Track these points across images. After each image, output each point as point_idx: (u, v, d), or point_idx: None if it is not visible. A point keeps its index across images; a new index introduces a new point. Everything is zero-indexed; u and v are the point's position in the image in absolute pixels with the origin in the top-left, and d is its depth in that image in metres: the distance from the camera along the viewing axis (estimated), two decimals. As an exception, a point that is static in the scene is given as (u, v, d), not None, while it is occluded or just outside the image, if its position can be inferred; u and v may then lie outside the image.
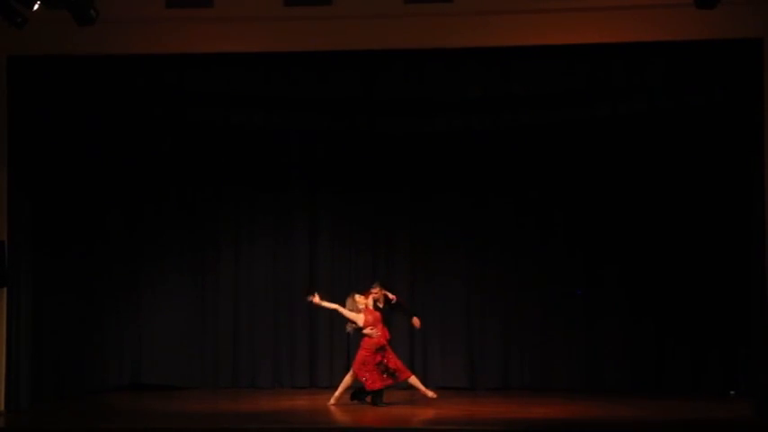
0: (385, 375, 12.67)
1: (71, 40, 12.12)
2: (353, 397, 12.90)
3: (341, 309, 12.82)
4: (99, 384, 14.23)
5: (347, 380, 12.93)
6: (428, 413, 12.29)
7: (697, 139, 14.11)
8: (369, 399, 12.77)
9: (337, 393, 12.94)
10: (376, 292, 13.04)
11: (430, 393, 12.95)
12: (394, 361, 12.77)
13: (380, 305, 13.03)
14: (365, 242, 15.06)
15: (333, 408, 12.69)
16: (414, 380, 13.03)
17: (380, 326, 12.80)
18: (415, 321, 13.29)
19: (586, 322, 14.52)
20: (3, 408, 12.38)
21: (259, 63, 12.63)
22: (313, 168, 15.18)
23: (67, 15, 11.25)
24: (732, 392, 13.76)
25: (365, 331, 12.69)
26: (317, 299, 12.91)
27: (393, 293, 13.23)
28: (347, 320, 12.86)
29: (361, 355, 12.69)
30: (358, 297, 12.87)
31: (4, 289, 12.41)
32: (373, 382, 12.60)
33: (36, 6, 11.25)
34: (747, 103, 12.23)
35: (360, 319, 12.74)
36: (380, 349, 12.68)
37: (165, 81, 12.83)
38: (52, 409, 12.73)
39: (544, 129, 14.16)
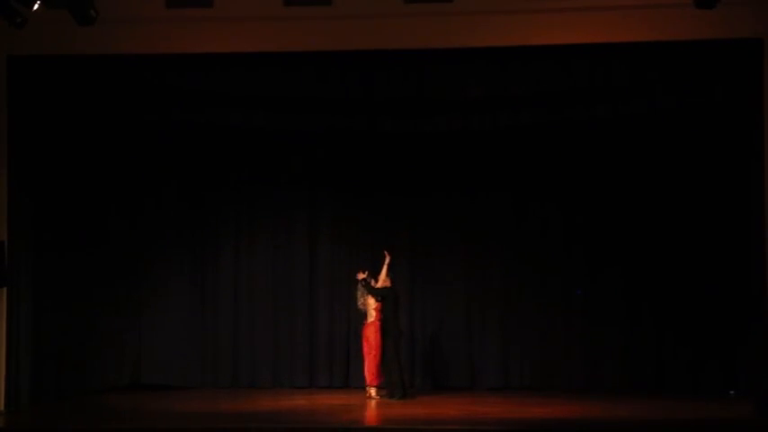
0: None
1: (71, 40, 12.13)
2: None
3: None
4: (99, 384, 14.24)
5: None
6: (428, 413, 12.28)
7: (697, 139, 14.11)
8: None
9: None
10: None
11: None
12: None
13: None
14: (365, 242, 15.04)
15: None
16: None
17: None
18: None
19: (586, 322, 14.53)
20: (3, 408, 12.38)
21: (259, 63, 12.64)
22: (313, 168, 15.19)
23: (67, 15, 11.25)
24: (732, 392, 13.76)
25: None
26: None
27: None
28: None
29: None
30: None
31: (4, 289, 12.41)
32: None
33: (36, 6, 11.25)
34: (747, 103, 12.24)
35: None
36: None
37: (164, 81, 12.84)
38: (52, 409, 12.74)
39: (544, 129, 14.14)
